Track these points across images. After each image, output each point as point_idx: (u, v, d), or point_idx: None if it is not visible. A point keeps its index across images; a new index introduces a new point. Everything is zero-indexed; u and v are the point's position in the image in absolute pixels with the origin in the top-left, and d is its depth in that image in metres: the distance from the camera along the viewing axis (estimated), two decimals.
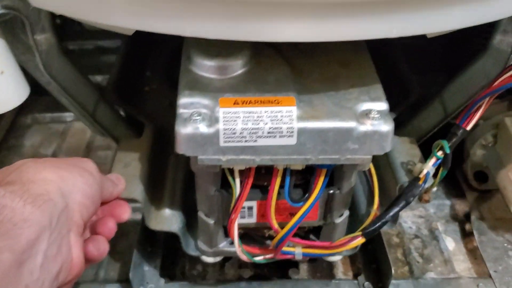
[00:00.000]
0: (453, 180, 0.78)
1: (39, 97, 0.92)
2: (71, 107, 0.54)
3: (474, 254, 0.69)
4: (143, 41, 0.75)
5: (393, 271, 0.60)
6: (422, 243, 0.71)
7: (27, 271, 0.34)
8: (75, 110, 0.54)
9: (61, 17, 0.74)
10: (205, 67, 0.46)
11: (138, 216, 0.71)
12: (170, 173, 0.59)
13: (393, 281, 0.62)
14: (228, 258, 0.69)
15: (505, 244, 0.70)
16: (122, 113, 0.64)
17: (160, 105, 0.67)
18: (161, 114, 0.66)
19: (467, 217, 0.74)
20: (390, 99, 0.55)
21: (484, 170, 0.73)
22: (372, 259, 0.67)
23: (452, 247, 0.71)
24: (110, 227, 0.45)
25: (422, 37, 0.43)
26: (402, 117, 0.63)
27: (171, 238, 0.70)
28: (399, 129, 0.62)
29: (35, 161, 0.40)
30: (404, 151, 0.58)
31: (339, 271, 0.68)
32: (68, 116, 0.91)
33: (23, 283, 0.33)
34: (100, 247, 0.44)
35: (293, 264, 0.68)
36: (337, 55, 0.50)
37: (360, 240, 0.50)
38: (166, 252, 0.68)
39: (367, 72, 0.48)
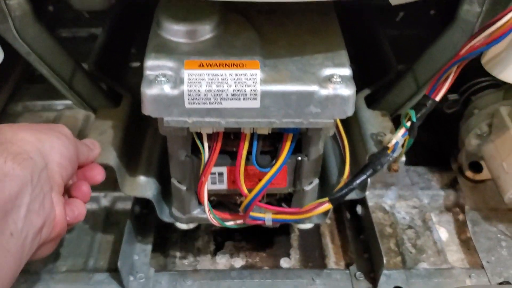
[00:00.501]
0: (448, 171, 0.78)
1: (30, 85, 0.93)
2: (50, 78, 0.56)
3: (467, 244, 0.70)
4: (129, 18, 0.77)
5: (385, 261, 0.60)
6: (415, 233, 0.71)
7: (11, 220, 0.36)
8: (54, 81, 0.56)
9: (54, 4, 0.75)
10: (173, 31, 0.47)
11: (128, 206, 0.72)
12: (148, 143, 0.61)
13: (385, 271, 0.62)
14: (220, 248, 0.69)
15: (498, 235, 0.70)
16: (103, 87, 0.66)
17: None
18: (136, 86, 0.67)
19: (461, 208, 0.74)
20: (369, 76, 0.56)
21: (478, 160, 0.73)
22: (365, 249, 0.68)
23: (445, 238, 0.71)
24: (84, 191, 0.47)
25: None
26: (378, 92, 0.64)
27: (162, 228, 0.70)
28: (374, 104, 0.64)
29: (11, 125, 0.42)
30: (377, 124, 0.59)
31: (331, 261, 0.68)
32: (59, 104, 0.91)
33: (8, 231, 0.36)
34: (76, 209, 0.45)
35: (285, 253, 0.69)
36: (306, 24, 0.51)
37: (327, 206, 0.51)
38: (157, 241, 0.69)
39: (334, 39, 0.49)
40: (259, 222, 0.54)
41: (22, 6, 0.48)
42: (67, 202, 0.45)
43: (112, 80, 0.64)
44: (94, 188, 0.72)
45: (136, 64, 0.73)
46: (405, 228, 0.72)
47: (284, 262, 0.68)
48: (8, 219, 0.36)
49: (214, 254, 0.69)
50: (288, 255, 0.69)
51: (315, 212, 0.52)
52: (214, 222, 0.54)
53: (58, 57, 0.54)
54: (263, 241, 0.70)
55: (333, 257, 0.69)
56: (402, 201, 0.76)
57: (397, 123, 0.58)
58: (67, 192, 0.48)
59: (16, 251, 0.37)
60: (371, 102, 0.63)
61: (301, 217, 0.53)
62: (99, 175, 0.49)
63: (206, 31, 0.47)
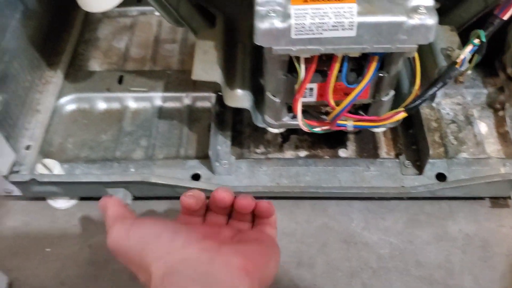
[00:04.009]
0: (492, 71, 0.83)
1: None
2: (155, 5, 0.62)
3: (504, 137, 0.76)
4: None
5: (430, 151, 0.68)
6: (457, 127, 0.78)
7: None
8: (160, 8, 0.63)
9: None
10: None
11: (206, 104, 0.82)
12: (239, 59, 0.68)
13: (430, 160, 0.70)
14: (286, 140, 0.80)
15: None
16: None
17: None
18: (226, 4, 0.74)
19: (501, 105, 0.80)
20: None
21: None
22: (412, 142, 0.76)
23: (484, 131, 0.78)
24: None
25: None
26: (445, 6, 0.69)
27: (237, 123, 0.81)
28: (441, 18, 0.69)
29: None
30: (445, 38, 0.65)
31: (383, 152, 0.77)
32: (134, 10, 0.98)
33: None
34: None
35: (343, 146, 0.78)
36: None
37: (402, 115, 0.61)
38: (234, 135, 0.79)
39: None
40: (342, 128, 0.64)
41: None
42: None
43: (205, 1, 0.70)
44: (177, 89, 0.84)
45: None
46: (449, 122, 0.79)
47: (342, 153, 0.78)
48: None
49: (281, 146, 0.80)
50: (345, 146, 0.79)
51: (392, 120, 0.61)
52: (304, 128, 0.63)
53: None
54: (323, 134, 0.77)
55: (384, 148, 0.78)
56: (447, 98, 0.82)
57: (462, 38, 0.65)
58: None
59: None
60: (438, 15, 0.69)
61: (379, 124, 0.63)
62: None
63: None
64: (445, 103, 0.82)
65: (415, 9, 0.51)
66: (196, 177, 0.73)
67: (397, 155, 0.77)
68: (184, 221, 0.54)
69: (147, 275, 0.44)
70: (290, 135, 0.81)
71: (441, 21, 0.67)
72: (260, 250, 0.47)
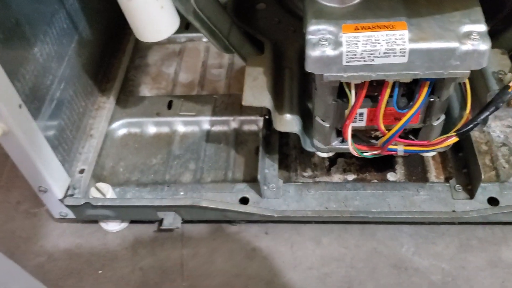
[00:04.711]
0: None
1: None
2: (206, 33, 0.64)
3: None
4: None
5: (482, 175, 0.67)
6: (509, 150, 0.77)
7: None
8: (210, 36, 0.65)
9: None
10: None
11: (254, 127, 0.84)
12: (287, 84, 0.69)
13: (481, 184, 0.69)
14: (333, 163, 0.80)
15: None
16: None
17: (271, 23, 0.77)
18: (272, 31, 0.75)
19: None
20: (484, 11, 0.61)
21: None
22: (463, 165, 0.75)
23: None
24: None
25: None
26: (495, 29, 0.69)
27: (283, 146, 0.82)
28: (492, 41, 0.68)
29: None
30: (496, 62, 0.64)
31: (432, 175, 0.77)
32: (182, 37, 1.01)
33: None
34: None
35: (391, 169, 0.78)
36: None
37: (454, 139, 0.60)
38: (280, 157, 0.79)
39: None
40: (392, 152, 0.63)
41: None
42: None
43: (251, 27, 0.72)
44: (225, 113, 0.85)
45: (260, 7, 0.79)
46: (500, 145, 0.78)
47: (391, 176, 0.77)
48: None
49: (328, 169, 0.80)
50: (394, 170, 0.78)
51: (443, 144, 0.61)
52: (354, 153, 0.64)
53: (220, 17, 0.62)
54: (371, 158, 0.77)
55: (434, 172, 0.77)
56: (497, 121, 0.81)
57: None
58: None
59: None
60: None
61: (430, 149, 0.62)
62: None
63: None
64: (495, 126, 0.81)
65: (468, 35, 0.51)
66: (244, 200, 0.74)
67: (447, 179, 0.76)
68: None
69: None
70: (338, 158, 0.81)
71: (492, 45, 0.67)
72: None
